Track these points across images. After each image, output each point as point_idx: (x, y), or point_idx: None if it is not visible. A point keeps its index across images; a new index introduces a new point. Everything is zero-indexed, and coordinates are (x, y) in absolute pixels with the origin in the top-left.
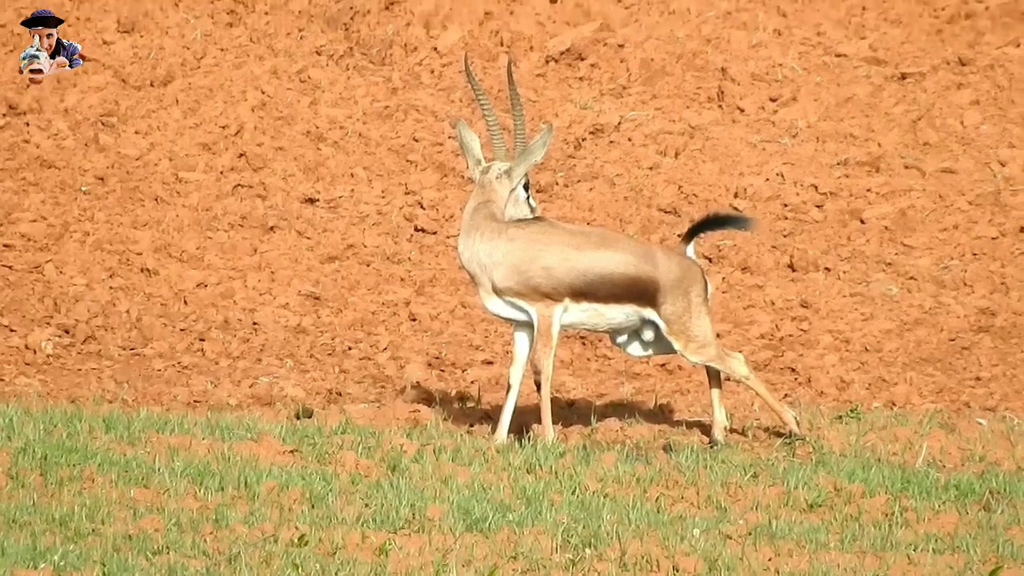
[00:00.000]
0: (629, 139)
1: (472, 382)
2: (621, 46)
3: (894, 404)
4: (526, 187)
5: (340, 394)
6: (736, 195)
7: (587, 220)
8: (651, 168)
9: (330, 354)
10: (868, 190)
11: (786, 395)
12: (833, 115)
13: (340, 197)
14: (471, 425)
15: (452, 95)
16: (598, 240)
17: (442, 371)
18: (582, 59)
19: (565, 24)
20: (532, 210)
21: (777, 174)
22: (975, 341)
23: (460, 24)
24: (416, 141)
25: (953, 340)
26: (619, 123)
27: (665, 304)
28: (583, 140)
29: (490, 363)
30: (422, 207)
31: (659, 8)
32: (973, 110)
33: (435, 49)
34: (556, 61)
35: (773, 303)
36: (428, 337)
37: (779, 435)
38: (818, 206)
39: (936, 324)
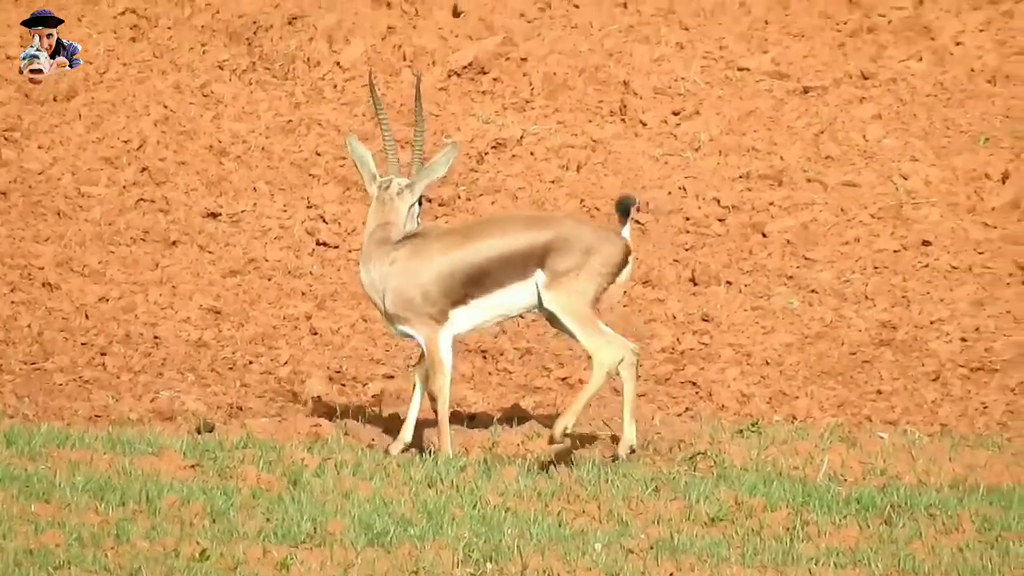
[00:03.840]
0: (531, 153)
1: (373, 396)
2: (524, 60)
3: (795, 418)
4: (419, 203)
5: (241, 408)
6: (638, 209)
7: None
8: (553, 182)
9: (231, 368)
10: (770, 203)
11: (687, 409)
12: (735, 129)
13: (242, 211)
14: (372, 439)
15: (355, 109)
16: (473, 232)
17: (343, 385)
18: (485, 73)
19: (468, 38)
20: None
21: (679, 187)
22: (876, 355)
23: (363, 38)
24: (319, 155)
25: (854, 354)
26: (521, 137)
27: (555, 261)
28: (485, 154)
29: (391, 377)
30: (324, 221)
31: (562, 22)
32: (875, 124)
33: (338, 64)
34: (459, 75)
35: (674, 317)
36: (329, 351)
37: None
38: (720, 219)
39: (837, 338)
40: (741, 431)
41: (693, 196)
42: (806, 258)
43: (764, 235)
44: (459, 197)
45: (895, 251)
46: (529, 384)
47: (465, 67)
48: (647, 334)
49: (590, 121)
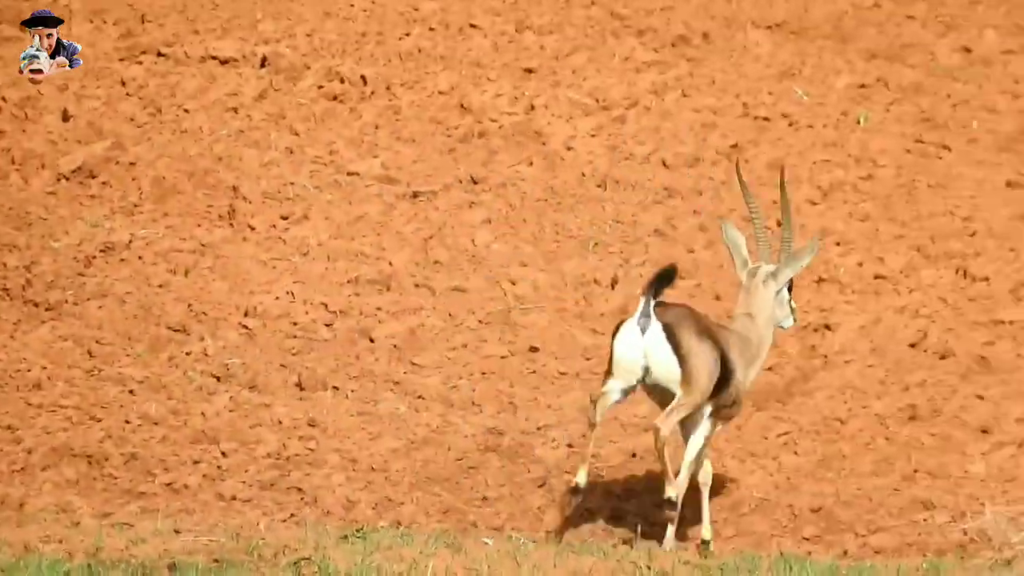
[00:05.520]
0: (140, 257)
1: None
2: (133, 164)
3: (400, 523)
4: (789, 288)
5: None
6: (246, 313)
7: (96, 339)
8: (161, 286)
9: None
10: (378, 308)
11: (292, 515)
12: (344, 233)
13: None
14: None
15: None
16: None
17: None
18: (94, 177)
19: (77, 142)
20: (792, 311)
21: (287, 292)
22: (482, 460)
23: None
24: None
25: (460, 459)
26: (130, 241)
27: None
28: (93, 258)
29: None
30: None
31: (172, 127)
32: (485, 228)
33: None
34: (68, 179)
35: (280, 422)
36: None
37: None
38: (327, 324)
39: (443, 443)
40: (346, 536)
41: (301, 301)
42: (413, 363)
43: (372, 340)
44: (66, 302)
45: (503, 356)
46: (134, 490)
47: (74, 171)
48: (252, 439)
49: (199, 225)
